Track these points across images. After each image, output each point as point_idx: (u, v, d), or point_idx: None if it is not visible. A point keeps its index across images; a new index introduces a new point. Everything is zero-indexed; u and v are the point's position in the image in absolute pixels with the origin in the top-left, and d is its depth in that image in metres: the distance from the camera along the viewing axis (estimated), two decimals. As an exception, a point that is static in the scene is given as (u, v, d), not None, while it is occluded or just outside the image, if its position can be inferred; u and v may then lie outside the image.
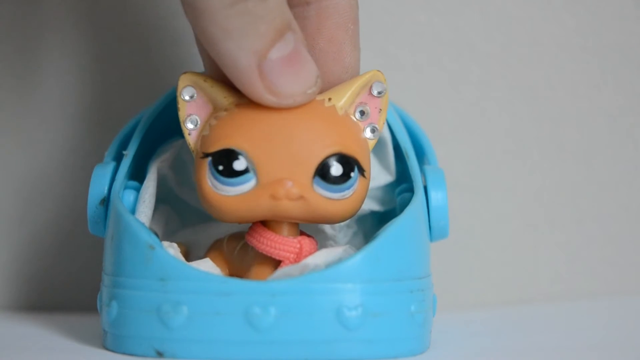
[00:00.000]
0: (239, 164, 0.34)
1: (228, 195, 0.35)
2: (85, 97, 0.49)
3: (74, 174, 0.49)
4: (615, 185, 0.51)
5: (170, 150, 0.40)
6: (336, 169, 0.35)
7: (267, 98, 0.34)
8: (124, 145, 0.40)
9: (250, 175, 0.35)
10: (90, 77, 0.49)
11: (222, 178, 0.35)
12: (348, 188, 0.35)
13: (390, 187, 0.41)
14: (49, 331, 0.42)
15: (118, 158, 0.40)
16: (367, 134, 0.37)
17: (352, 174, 0.35)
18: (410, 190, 0.38)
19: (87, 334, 0.40)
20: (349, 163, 0.35)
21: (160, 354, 0.35)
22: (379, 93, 0.37)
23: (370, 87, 0.37)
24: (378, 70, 0.37)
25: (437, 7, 0.50)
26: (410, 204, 0.37)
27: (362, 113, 0.36)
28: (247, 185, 0.35)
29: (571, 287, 0.51)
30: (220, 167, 0.35)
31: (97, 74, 0.49)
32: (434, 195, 0.38)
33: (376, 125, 0.37)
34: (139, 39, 0.49)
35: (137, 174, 0.40)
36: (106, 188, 0.38)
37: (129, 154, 0.39)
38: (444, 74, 0.50)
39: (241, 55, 0.34)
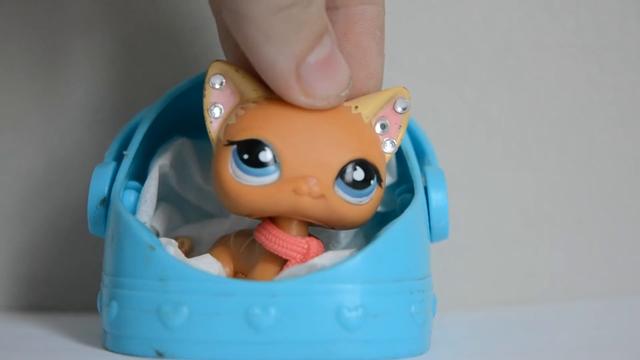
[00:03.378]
0: (264, 155, 0.34)
1: (249, 185, 0.35)
2: (85, 97, 0.49)
3: (74, 174, 0.49)
4: (615, 185, 0.51)
5: (171, 150, 0.40)
6: (358, 174, 0.35)
7: (301, 100, 0.35)
8: (124, 145, 0.40)
9: (274, 168, 0.34)
10: (90, 77, 0.49)
11: (246, 167, 0.35)
12: (367, 195, 0.35)
13: (391, 188, 0.41)
14: (49, 331, 0.42)
15: (118, 158, 0.40)
16: (387, 148, 0.37)
17: (372, 182, 0.35)
18: (411, 191, 0.38)
19: (87, 334, 0.40)
20: (370, 170, 0.35)
21: (160, 354, 0.35)
22: (403, 110, 0.37)
23: (394, 102, 0.37)
24: (404, 87, 0.37)
25: (437, 7, 0.50)
26: (410, 204, 0.37)
27: (383, 127, 0.37)
28: (270, 177, 0.35)
29: (571, 287, 0.51)
30: (246, 156, 0.34)
31: (97, 74, 0.49)
32: (434, 196, 0.38)
33: (394, 141, 0.37)
34: (139, 40, 0.49)
35: (138, 174, 0.40)
36: (106, 188, 0.38)
37: (129, 154, 0.39)
38: (444, 74, 0.50)
39: (281, 59, 0.34)
